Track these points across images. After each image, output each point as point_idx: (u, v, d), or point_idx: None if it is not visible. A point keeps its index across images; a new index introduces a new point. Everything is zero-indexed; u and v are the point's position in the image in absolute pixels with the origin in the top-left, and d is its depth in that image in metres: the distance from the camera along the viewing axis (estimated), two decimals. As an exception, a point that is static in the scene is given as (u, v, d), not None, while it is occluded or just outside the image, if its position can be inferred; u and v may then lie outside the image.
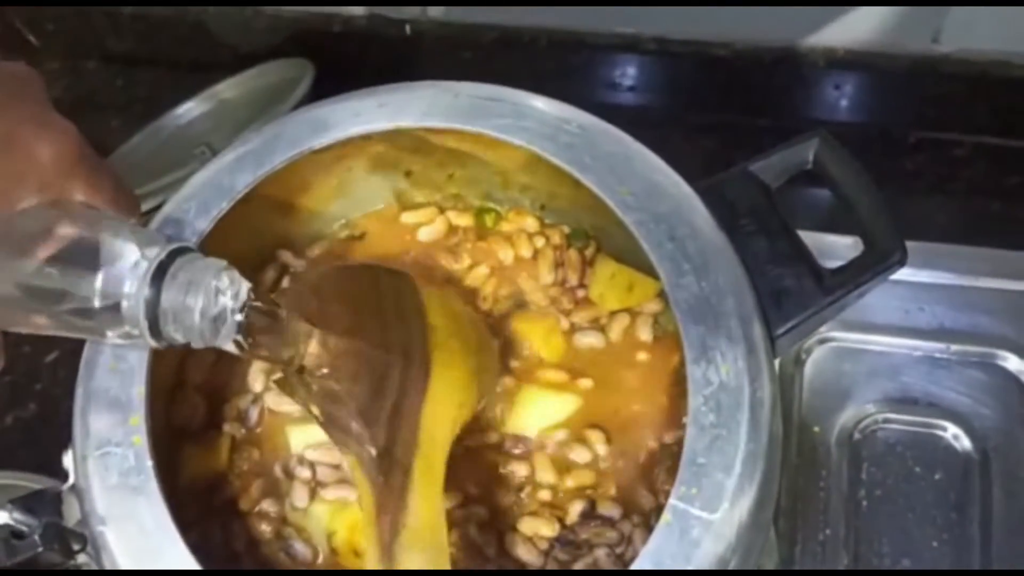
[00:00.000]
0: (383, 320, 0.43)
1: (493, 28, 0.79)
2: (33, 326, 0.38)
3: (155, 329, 0.37)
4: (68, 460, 0.43)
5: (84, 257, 0.37)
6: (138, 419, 0.42)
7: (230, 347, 0.38)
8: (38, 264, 0.36)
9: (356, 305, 0.43)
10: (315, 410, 0.41)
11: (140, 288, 0.36)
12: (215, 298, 0.37)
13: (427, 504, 0.39)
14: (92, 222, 0.38)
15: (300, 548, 0.46)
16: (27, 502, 0.40)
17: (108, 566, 0.40)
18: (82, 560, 0.41)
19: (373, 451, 0.39)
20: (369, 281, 0.44)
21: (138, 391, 0.42)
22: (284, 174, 0.48)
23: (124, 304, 0.36)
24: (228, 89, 0.84)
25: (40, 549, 0.40)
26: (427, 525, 0.39)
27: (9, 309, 0.37)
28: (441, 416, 0.42)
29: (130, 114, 0.87)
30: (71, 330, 0.38)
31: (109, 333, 0.37)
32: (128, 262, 0.37)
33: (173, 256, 0.37)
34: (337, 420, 0.40)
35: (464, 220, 0.54)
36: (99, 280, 0.36)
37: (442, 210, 0.55)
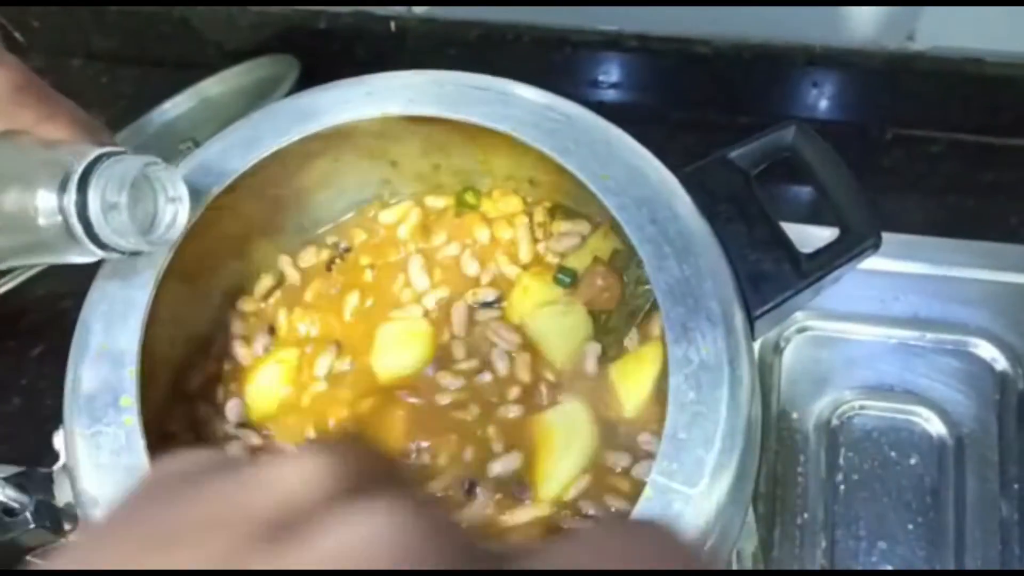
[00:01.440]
0: None
1: (477, 25, 0.79)
2: None
3: (91, 235, 0.38)
4: (58, 440, 0.43)
5: (30, 176, 0.37)
6: (129, 399, 0.42)
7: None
8: None
9: None
10: None
11: (69, 194, 0.37)
12: (151, 195, 0.39)
13: None
14: (29, 145, 0.39)
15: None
16: (19, 479, 0.40)
17: (99, 544, 0.40)
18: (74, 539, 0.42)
19: None
20: None
21: (129, 371, 0.43)
22: (271, 163, 0.48)
23: (65, 217, 0.37)
24: (213, 85, 0.84)
25: (32, 526, 0.40)
26: None
27: None
28: None
29: (115, 111, 0.87)
30: (26, 253, 0.39)
31: (60, 248, 0.38)
32: (60, 177, 0.37)
33: (99, 160, 0.38)
34: None
35: (442, 203, 0.55)
36: (39, 197, 0.37)
37: (419, 202, 0.56)
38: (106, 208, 0.38)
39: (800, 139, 0.47)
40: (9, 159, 0.38)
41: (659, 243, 0.44)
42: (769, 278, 0.45)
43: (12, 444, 0.72)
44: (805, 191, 0.74)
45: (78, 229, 0.37)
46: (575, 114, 0.47)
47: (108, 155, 0.38)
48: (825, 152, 0.47)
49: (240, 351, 0.52)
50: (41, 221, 0.37)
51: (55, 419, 0.71)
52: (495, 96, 0.48)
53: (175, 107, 0.84)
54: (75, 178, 0.37)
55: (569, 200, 0.55)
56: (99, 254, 0.39)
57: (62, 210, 0.37)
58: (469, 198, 0.55)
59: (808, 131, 0.47)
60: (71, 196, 0.37)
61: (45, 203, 0.37)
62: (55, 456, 0.44)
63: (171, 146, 0.79)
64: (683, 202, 0.45)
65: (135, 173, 0.39)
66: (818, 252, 0.45)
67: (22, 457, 0.63)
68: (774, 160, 0.48)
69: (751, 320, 0.44)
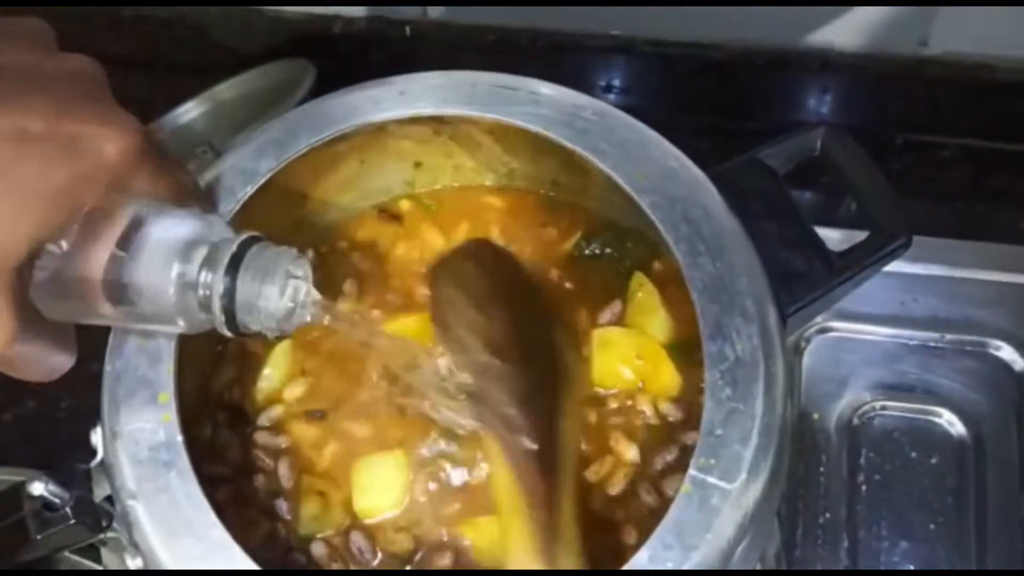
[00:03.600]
0: (536, 314, 0.44)
1: (492, 30, 0.80)
2: (106, 318, 0.38)
3: (230, 319, 0.38)
4: (96, 437, 0.43)
5: (158, 249, 0.37)
6: (167, 396, 0.42)
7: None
8: (112, 255, 0.36)
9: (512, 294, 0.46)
10: (468, 378, 0.42)
11: (216, 278, 0.37)
12: (286, 286, 0.38)
13: (571, 509, 0.41)
14: (163, 213, 0.38)
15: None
16: (59, 475, 0.40)
17: (139, 541, 0.40)
18: (111, 535, 0.42)
19: (534, 445, 0.41)
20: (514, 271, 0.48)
21: (167, 367, 0.43)
22: (301, 163, 0.49)
23: (200, 294, 0.37)
24: (228, 90, 0.84)
25: (72, 522, 0.40)
26: (572, 529, 0.41)
27: (84, 302, 0.37)
28: (577, 427, 0.45)
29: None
30: (142, 321, 0.39)
31: (181, 322, 0.38)
32: (201, 252, 0.37)
33: (245, 246, 0.38)
34: (490, 399, 0.42)
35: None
36: (174, 270, 0.37)
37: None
38: (254, 298, 0.38)
39: (830, 140, 0.47)
40: (140, 223, 0.37)
41: (693, 241, 0.44)
42: (801, 276, 0.46)
43: (29, 446, 0.72)
44: (812, 195, 0.74)
45: (218, 315, 0.37)
46: (607, 113, 0.48)
47: (253, 239, 0.38)
48: (855, 153, 0.47)
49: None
50: (170, 292, 0.37)
51: (71, 421, 0.72)
52: (526, 96, 0.48)
53: (189, 111, 0.84)
54: (225, 261, 0.37)
55: (593, 202, 0.55)
56: (225, 334, 0.39)
57: (202, 287, 0.37)
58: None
59: (838, 132, 0.47)
60: (219, 281, 0.37)
61: (181, 278, 0.37)
62: (74, 457, 0.44)
63: (187, 150, 0.79)
64: (715, 201, 0.46)
65: (285, 266, 0.39)
66: (849, 251, 0.46)
67: (39, 459, 0.63)
68: (803, 160, 0.48)
69: (783, 318, 0.45)
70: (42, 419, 0.73)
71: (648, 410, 0.48)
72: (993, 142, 0.79)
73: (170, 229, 0.37)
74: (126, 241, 0.36)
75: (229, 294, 0.37)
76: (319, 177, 0.53)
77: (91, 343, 0.70)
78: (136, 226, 0.37)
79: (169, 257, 0.37)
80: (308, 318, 0.40)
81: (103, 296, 0.37)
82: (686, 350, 0.48)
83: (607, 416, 0.48)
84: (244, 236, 0.38)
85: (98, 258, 0.36)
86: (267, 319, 0.39)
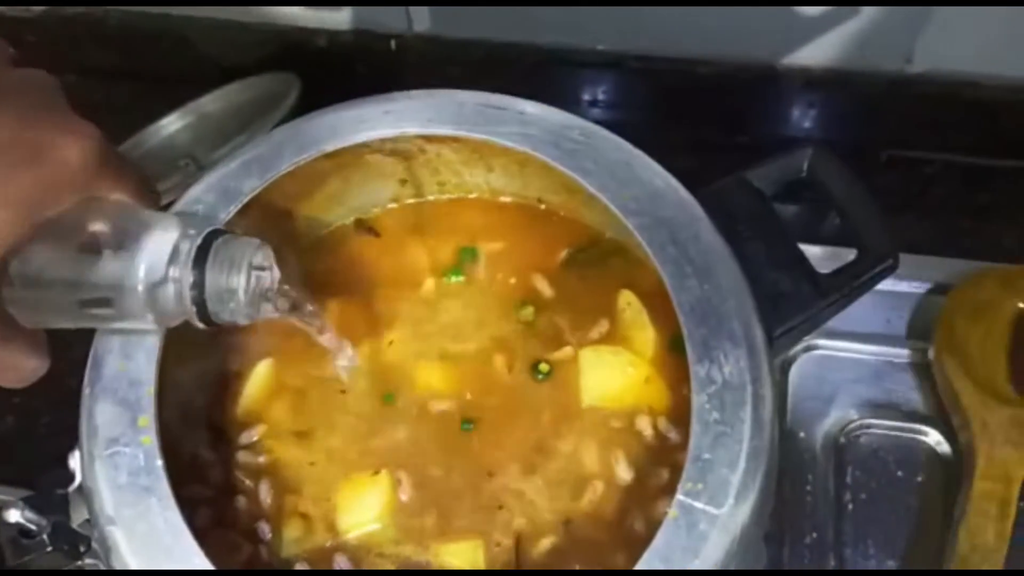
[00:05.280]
0: None
1: (479, 44, 0.80)
2: (73, 320, 0.39)
3: (202, 310, 0.39)
4: (74, 461, 0.43)
5: (125, 246, 0.38)
6: (147, 419, 0.42)
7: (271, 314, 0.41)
8: (81, 258, 0.37)
9: None
10: None
11: (184, 271, 0.38)
12: (252, 276, 0.39)
13: None
14: (126, 214, 0.39)
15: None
16: (36, 501, 0.40)
17: (117, 566, 0.40)
18: (90, 562, 0.41)
19: None
20: None
21: (147, 391, 0.42)
22: (285, 181, 0.48)
23: (170, 288, 0.38)
24: (212, 102, 0.83)
25: (49, 548, 0.40)
26: None
27: (55, 306, 0.38)
28: None
29: (110, 128, 0.87)
30: (113, 320, 0.39)
31: (150, 318, 0.39)
32: (167, 248, 0.38)
33: (210, 238, 0.39)
34: None
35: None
36: (142, 268, 0.37)
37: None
38: (223, 289, 0.39)
39: (818, 161, 0.47)
40: (106, 226, 0.38)
41: (680, 263, 0.44)
42: (789, 298, 0.45)
43: (8, 464, 0.71)
44: (796, 210, 0.74)
45: (190, 306, 0.39)
46: (594, 134, 0.47)
47: (217, 232, 0.39)
48: (843, 173, 0.47)
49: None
50: (141, 289, 0.37)
51: (50, 438, 0.71)
52: (513, 116, 0.48)
53: (173, 123, 0.83)
54: (191, 255, 0.38)
55: (580, 219, 0.55)
56: (198, 326, 0.40)
57: (172, 281, 0.38)
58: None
59: (826, 153, 0.47)
60: (187, 273, 0.38)
61: (150, 274, 0.37)
62: (53, 476, 0.44)
63: (170, 162, 0.78)
64: (703, 222, 0.46)
65: (250, 256, 0.40)
66: (837, 272, 0.46)
67: (18, 477, 0.62)
68: (790, 181, 0.48)
69: (771, 340, 0.44)
70: (21, 435, 0.72)
71: (642, 429, 0.47)
72: (978, 158, 0.79)
73: (134, 228, 0.38)
74: (93, 243, 0.38)
75: (199, 286, 0.38)
76: (303, 195, 0.53)
77: (71, 358, 0.70)
78: (102, 228, 0.38)
79: (135, 255, 0.38)
80: (276, 306, 0.41)
81: (73, 299, 0.38)
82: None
83: (598, 434, 0.48)
84: (208, 229, 0.39)
85: (66, 262, 0.37)
86: (236, 308, 0.40)
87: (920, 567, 0.57)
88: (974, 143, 0.79)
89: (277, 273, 0.41)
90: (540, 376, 0.50)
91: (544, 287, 0.53)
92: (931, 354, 0.62)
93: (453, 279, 0.54)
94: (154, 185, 0.42)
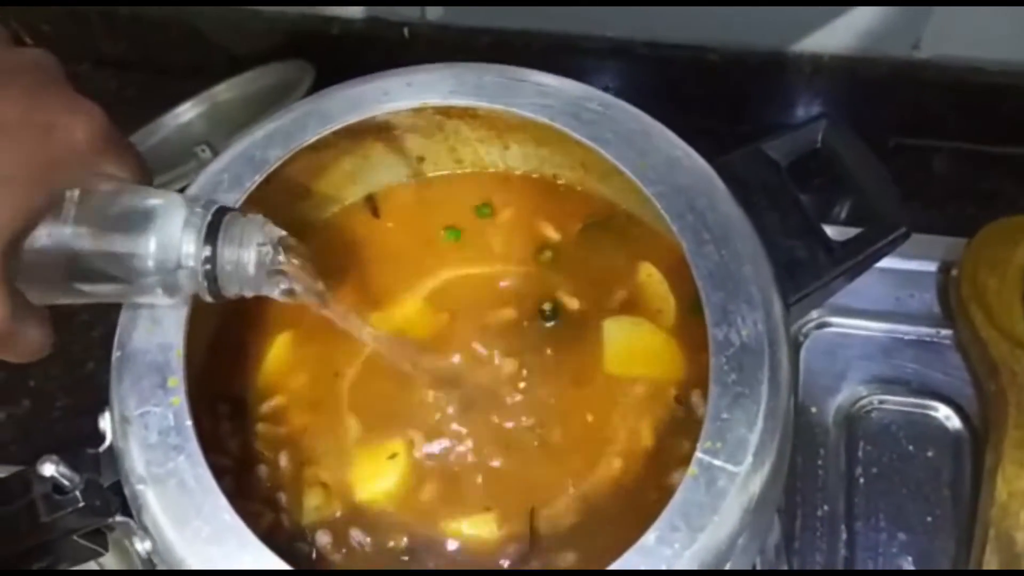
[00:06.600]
0: None
1: (489, 32, 0.80)
2: (87, 296, 0.39)
3: (212, 284, 0.40)
4: (104, 423, 0.43)
5: (135, 222, 0.39)
6: (176, 380, 0.42)
7: (276, 294, 0.41)
8: (91, 233, 0.38)
9: None
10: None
11: (198, 247, 0.39)
12: (260, 251, 0.40)
13: None
14: (133, 191, 0.40)
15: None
16: (70, 457, 0.40)
17: (148, 525, 0.40)
18: (120, 519, 0.42)
19: None
20: None
21: (176, 353, 0.43)
22: (306, 155, 0.49)
23: (184, 263, 0.39)
24: (226, 91, 0.84)
25: (81, 504, 0.40)
26: None
27: (65, 282, 0.39)
28: None
29: (122, 117, 0.87)
30: (123, 296, 0.41)
31: (160, 292, 0.39)
32: (177, 223, 0.39)
33: (219, 215, 0.40)
34: None
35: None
36: (152, 243, 0.38)
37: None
38: (235, 264, 0.40)
39: (831, 133, 0.48)
40: (118, 203, 0.39)
41: (698, 230, 0.45)
42: (803, 265, 0.46)
43: (22, 445, 0.71)
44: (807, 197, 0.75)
45: (202, 281, 0.40)
46: (612, 104, 0.48)
47: (223, 209, 0.40)
48: (856, 145, 0.48)
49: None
50: (151, 265, 0.38)
51: (66, 420, 0.71)
52: (532, 88, 0.49)
53: (188, 111, 0.84)
54: (203, 230, 0.39)
55: (598, 191, 0.55)
56: (207, 299, 0.41)
57: (184, 256, 0.39)
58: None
59: (839, 125, 0.48)
60: (201, 249, 0.39)
61: (161, 250, 0.38)
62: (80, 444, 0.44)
63: (185, 149, 0.79)
64: (720, 191, 0.46)
65: (257, 232, 0.41)
66: (850, 240, 0.47)
67: (34, 459, 0.63)
68: (804, 152, 0.49)
69: (787, 306, 0.45)
70: (37, 418, 0.73)
71: (664, 398, 0.48)
72: (985, 145, 0.80)
73: (142, 204, 0.39)
74: (102, 219, 0.38)
75: (211, 261, 0.39)
76: (323, 171, 0.53)
77: (87, 344, 0.70)
78: (110, 204, 0.39)
79: (146, 230, 0.38)
80: (283, 284, 0.42)
81: (83, 274, 0.38)
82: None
83: (619, 403, 0.49)
84: (217, 206, 0.40)
85: (75, 238, 0.38)
86: (246, 283, 0.41)
87: (930, 540, 0.58)
88: (981, 129, 0.79)
89: (283, 251, 0.42)
90: (551, 323, 0.51)
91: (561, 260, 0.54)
92: (953, 302, 0.63)
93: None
94: (149, 166, 0.42)
